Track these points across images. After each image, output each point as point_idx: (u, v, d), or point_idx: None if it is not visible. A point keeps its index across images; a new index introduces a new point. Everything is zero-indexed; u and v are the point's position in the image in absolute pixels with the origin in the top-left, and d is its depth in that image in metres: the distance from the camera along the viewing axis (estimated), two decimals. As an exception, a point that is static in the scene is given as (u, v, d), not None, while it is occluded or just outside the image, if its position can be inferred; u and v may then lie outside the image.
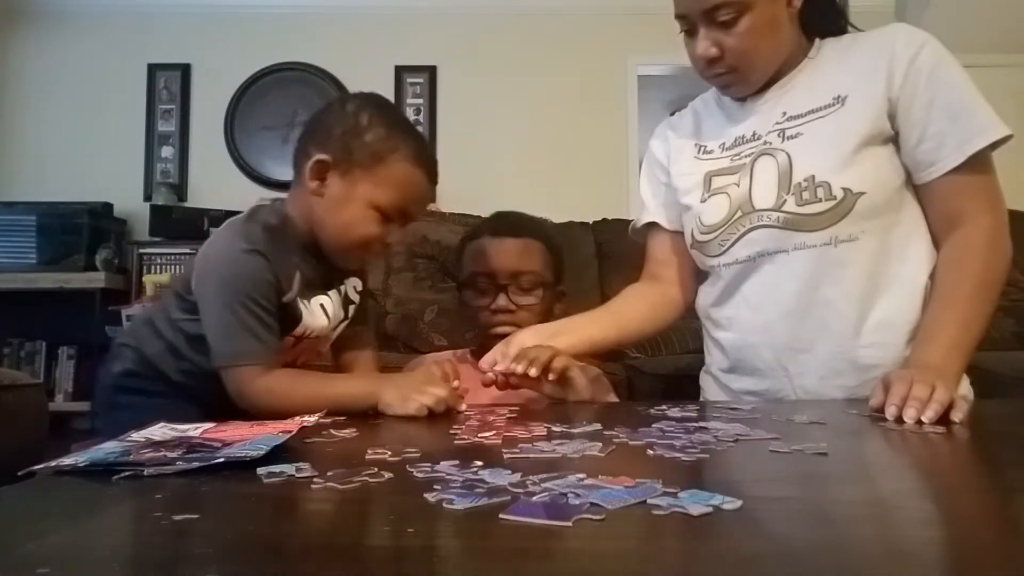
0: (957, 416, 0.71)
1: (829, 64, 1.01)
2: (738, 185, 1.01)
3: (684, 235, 1.11)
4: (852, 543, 0.35)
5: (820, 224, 0.93)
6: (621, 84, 3.59)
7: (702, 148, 1.10)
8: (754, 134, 1.03)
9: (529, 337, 1.00)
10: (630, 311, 1.14)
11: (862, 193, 0.92)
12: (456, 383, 0.91)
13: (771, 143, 1.00)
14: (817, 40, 1.05)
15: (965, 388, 0.98)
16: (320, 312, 0.99)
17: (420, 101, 3.58)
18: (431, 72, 3.58)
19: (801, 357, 0.97)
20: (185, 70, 3.55)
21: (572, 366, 0.97)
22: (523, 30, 3.59)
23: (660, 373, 1.83)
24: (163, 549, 0.35)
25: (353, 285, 1.07)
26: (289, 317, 0.94)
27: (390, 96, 3.53)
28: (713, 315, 1.08)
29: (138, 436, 0.60)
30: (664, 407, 0.82)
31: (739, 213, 1.00)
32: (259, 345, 0.89)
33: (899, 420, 0.71)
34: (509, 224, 1.24)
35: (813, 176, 0.93)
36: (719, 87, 1.06)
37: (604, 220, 2.61)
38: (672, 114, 1.24)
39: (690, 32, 1.00)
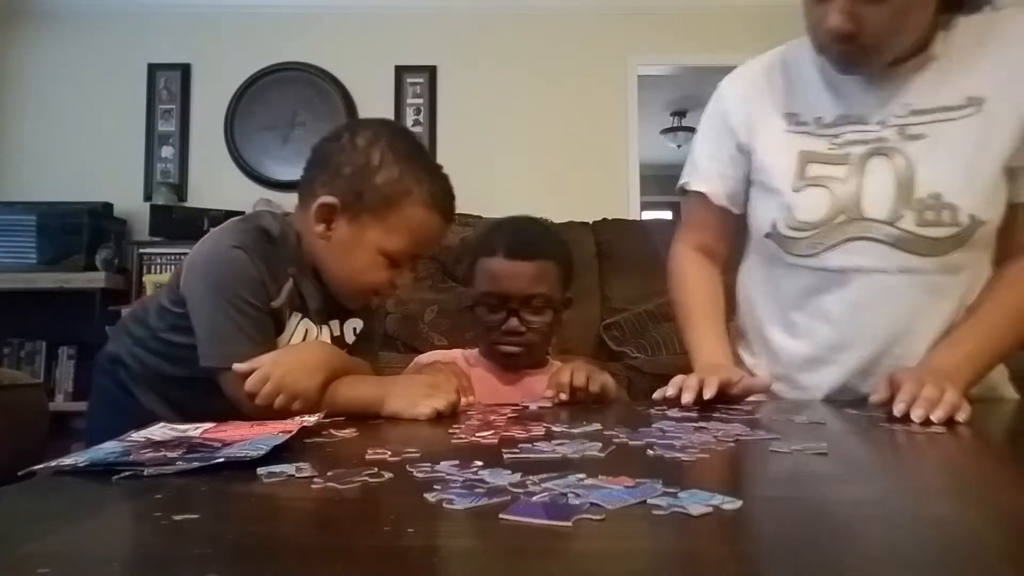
0: (962, 418, 0.70)
1: (964, 51, 0.87)
2: (844, 182, 0.88)
3: (755, 220, 0.99)
4: (852, 543, 0.35)
5: (937, 250, 0.84)
6: (621, 84, 3.58)
7: (794, 118, 0.94)
8: (863, 118, 0.90)
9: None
10: (720, 302, 1.06)
11: (983, 222, 0.83)
12: (465, 385, 0.90)
13: (888, 140, 0.87)
14: (950, 17, 0.88)
15: (1010, 391, 0.96)
16: (298, 338, 0.93)
17: (420, 101, 3.58)
18: (431, 72, 3.58)
19: (872, 381, 0.87)
20: (185, 70, 3.55)
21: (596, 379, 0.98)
22: (523, 30, 3.59)
23: (660, 373, 1.83)
24: (163, 549, 0.35)
25: (353, 327, 1.02)
26: (275, 325, 0.90)
27: (390, 96, 3.55)
28: (778, 316, 0.98)
29: (138, 436, 0.60)
30: (664, 407, 0.82)
31: (843, 217, 0.88)
32: (252, 346, 0.84)
33: (905, 418, 0.70)
34: (523, 245, 1.19)
35: (940, 194, 0.83)
36: (838, 64, 0.88)
37: (604, 220, 2.62)
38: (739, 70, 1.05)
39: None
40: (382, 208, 0.88)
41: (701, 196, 1.05)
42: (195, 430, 0.62)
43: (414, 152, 0.93)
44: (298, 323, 0.93)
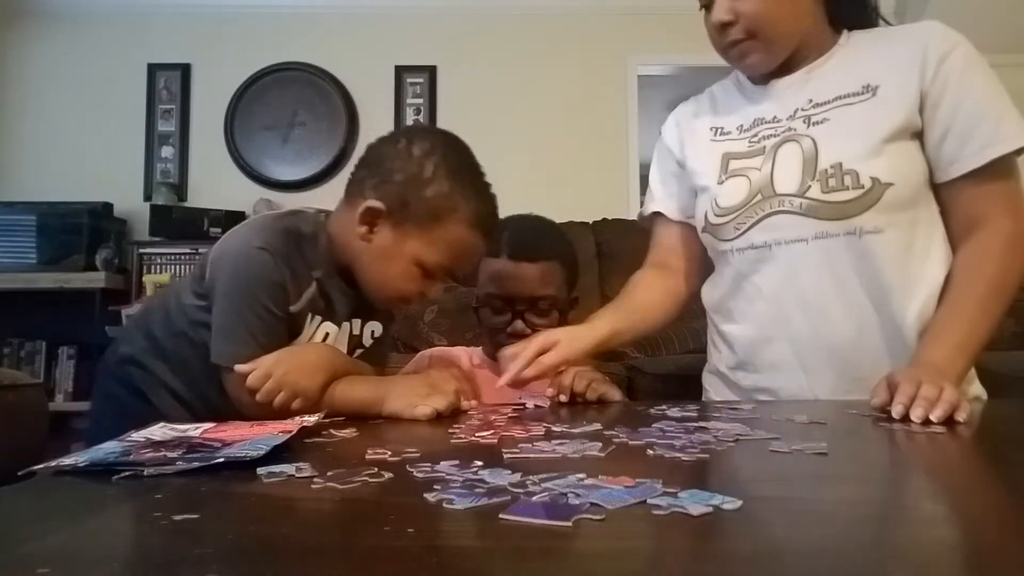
0: (962, 416, 0.70)
1: (859, 53, 0.99)
2: (759, 169, 0.98)
3: (696, 220, 1.08)
4: (852, 543, 0.35)
5: (845, 213, 0.91)
6: (621, 84, 3.59)
7: (718, 130, 1.07)
8: (774, 117, 1.00)
9: (554, 336, 0.96)
10: (647, 302, 1.11)
11: (890, 184, 0.90)
12: (466, 389, 0.89)
13: (795, 129, 0.97)
14: (846, 31, 1.03)
15: (978, 389, 0.98)
16: (319, 340, 0.94)
17: (420, 101, 3.58)
18: (431, 72, 3.58)
19: (820, 352, 0.95)
20: (185, 70, 3.55)
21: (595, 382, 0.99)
22: (523, 30, 3.59)
23: (660, 373, 1.84)
24: (163, 549, 0.35)
25: (371, 330, 1.02)
26: (292, 328, 0.90)
27: (390, 96, 3.55)
28: (722, 307, 1.05)
29: (138, 436, 0.60)
30: (664, 407, 0.82)
31: (759, 197, 0.97)
32: (256, 349, 0.85)
33: (904, 419, 0.71)
34: (528, 246, 1.18)
35: (840, 163, 0.91)
36: (737, 60, 1.01)
37: (604, 220, 2.61)
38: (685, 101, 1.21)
39: (708, 6, 0.99)
40: (427, 221, 0.89)
41: (659, 217, 1.16)
42: (195, 430, 0.62)
43: (467, 169, 0.94)
44: (318, 326, 0.93)
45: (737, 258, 1.00)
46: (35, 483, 0.47)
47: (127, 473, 0.47)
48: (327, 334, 0.95)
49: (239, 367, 0.82)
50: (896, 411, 0.72)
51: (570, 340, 0.96)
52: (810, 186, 0.93)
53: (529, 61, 3.58)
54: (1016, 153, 0.90)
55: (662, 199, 1.15)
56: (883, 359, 0.92)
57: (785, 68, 1.01)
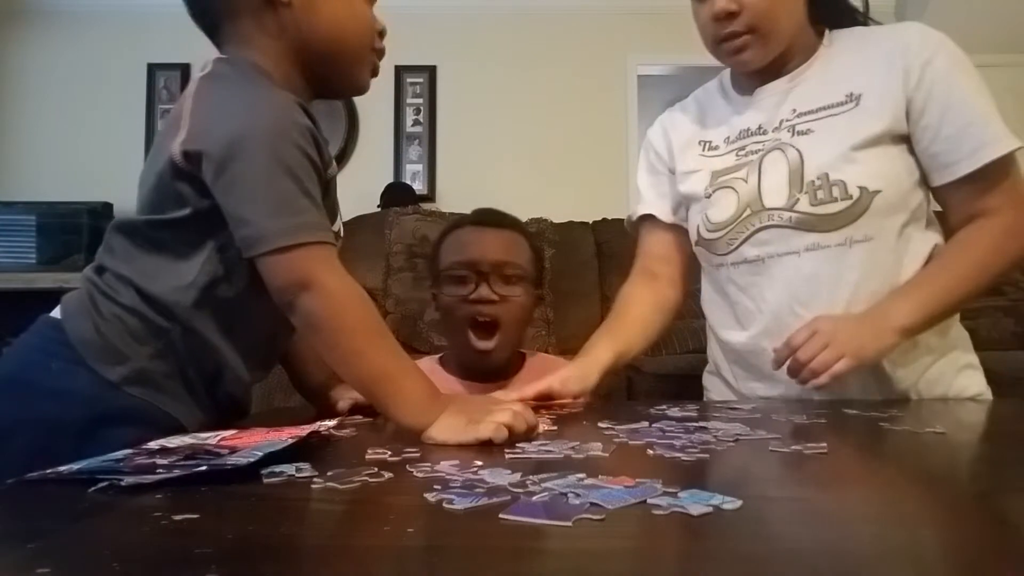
0: (840, 366, 0.82)
1: (842, 58, 0.98)
2: (746, 181, 0.98)
3: (689, 231, 1.08)
4: (852, 543, 0.35)
5: (835, 224, 0.91)
6: (621, 84, 3.59)
7: (706, 144, 1.07)
8: (760, 128, 1.00)
9: (564, 374, 0.93)
10: (640, 317, 1.10)
11: (878, 191, 0.90)
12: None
13: (780, 139, 0.97)
14: (827, 32, 1.01)
15: (979, 387, 0.98)
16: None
17: (420, 101, 3.58)
18: (431, 72, 3.59)
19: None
20: (185, 70, 3.55)
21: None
22: (523, 30, 3.59)
23: (660, 373, 1.84)
24: (163, 549, 0.35)
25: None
26: (331, 203, 0.74)
27: (390, 96, 3.55)
28: (721, 319, 1.05)
29: (154, 444, 0.57)
30: (664, 407, 0.82)
31: (748, 211, 0.97)
32: (324, 219, 0.68)
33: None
34: (492, 215, 1.17)
35: (827, 174, 0.91)
36: (731, 55, 0.98)
37: (604, 220, 2.61)
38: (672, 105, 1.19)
39: None
40: None
41: (648, 221, 1.14)
42: (214, 437, 0.59)
43: None
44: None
45: (732, 272, 1.01)
46: (34, 483, 0.47)
47: (103, 484, 0.45)
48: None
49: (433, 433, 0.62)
50: (788, 369, 0.85)
51: (581, 378, 0.95)
52: (798, 199, 0.93)
53: (529, 61, 3.58)
54: (1008, 155, 0.89)
55: (653, 201, 1.13)
56: (881, 366, 0.92)
57: (771, 69, 1.00)
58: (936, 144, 0.91)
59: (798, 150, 0.94)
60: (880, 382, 0.92)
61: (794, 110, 0.98)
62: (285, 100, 0.71)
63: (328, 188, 0.75)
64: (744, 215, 0.97)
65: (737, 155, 1.01)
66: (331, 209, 0.78)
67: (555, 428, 0.68)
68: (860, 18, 1.03)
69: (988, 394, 0.98)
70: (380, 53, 0.83)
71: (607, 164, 3.52)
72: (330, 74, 0.77)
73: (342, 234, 0.84)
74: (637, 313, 1.10)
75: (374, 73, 0.83)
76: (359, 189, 3.07)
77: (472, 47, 3.60)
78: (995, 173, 0.90)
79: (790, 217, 0.93)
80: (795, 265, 0.94)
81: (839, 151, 0.91)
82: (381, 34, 0.81)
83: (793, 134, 0.96)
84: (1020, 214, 0.90)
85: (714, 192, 1.01)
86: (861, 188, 0.90)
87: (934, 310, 0.88)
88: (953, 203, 0.94)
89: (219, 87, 0.73)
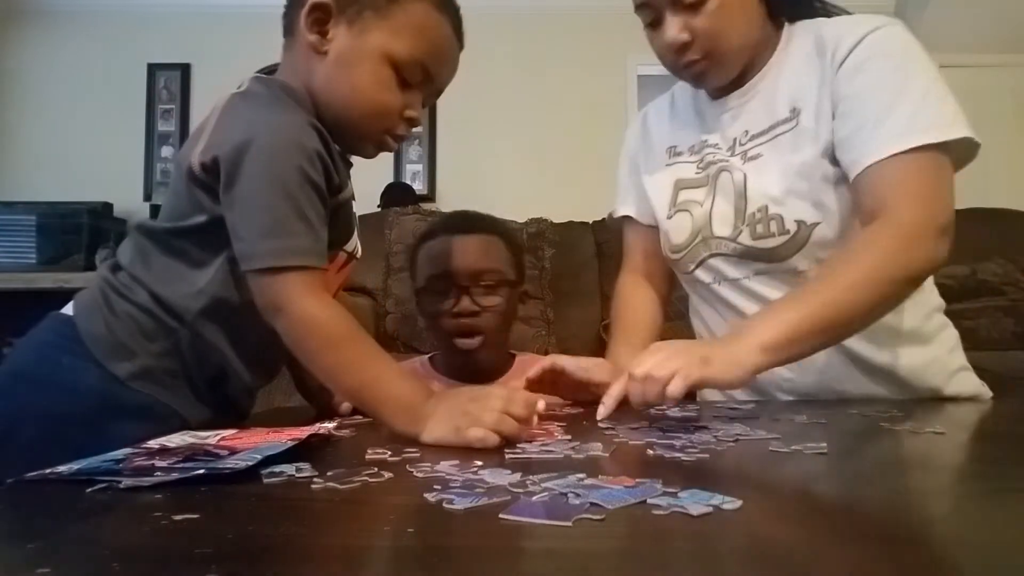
0: (674, 388, 0.69)
1: (792, 62, 0.92)
2: (701, 204, 0.97)
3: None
4: (852, 543, 0.35)
5: (778, 256, 0.90)
6: (621, 84, 3.59)
7: (672, 150, 1.05)
8: (716, 145, 0.98)
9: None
10: (647, 318, 1.10)
11: (816, 223, 0.87)
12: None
13: (732, 164, 0.94)
14: (786, 27, 0.95)
15: (975, 388, 0.97)
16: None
17: (420, 101, 3.58)
18: (431, 72, 3.58)
19: (786, 382, 0.93)
20: (185, 70, 3.56)
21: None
22: (523, 30, 3.60)
23: (660, 373, 1.83)
24: (163, 549, 0.35)
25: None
26: (344, 224, 0.76)
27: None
28: (698, 323, 1.07)
29: (153, 443, 0.58)
30: (664, 407, 0.82)
31: (699, 238, 0.97)
32: (315, 242, 0.69)
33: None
34: (465, 220, 1.15)
35: (766, 207, 0.89)
36: (692, 79, 0.96)
37: (604, 220, 2.61)
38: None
39: (654, 24, 0.94)
40: (383, 4, 0.76)
41: (630, 221, 1.13)
42: (214, 437, 0.60)
43: None
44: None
45: (698, 287, 1.02)
46: (34, 483, 0.47)
47: (101, 485, 0.46)
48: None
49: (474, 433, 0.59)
50: (600, 411, 0.73)
51: (609, 367, 0.93)
52: (741, 230, 0.92)
53: (529, 61, 3.58)
54: (939, 146, 0.79)
55: (632, 203, 1.12)
56: (880, 366, 0.91)
57: (738, 78, 0.95)
58: (859, 131, 0.83)
59: (744, 176, 0.92)
60: (877, 384, 0.92)
61: (747, 132, 0.95)
62: (298, 121, 0.72)
63: (339, 210, 0.77)
64: (696, 241, 0.97)
65: (698, 167, 1.00)
66: (345, 229, 0.81)
67: (568, 437, 0.63)
68: (819, 8, 0.96)
69: (987, 394, 0.98)
70: (398, 137, 0.83)
71: (607, 164, 3.48)
72: (333, 129, 0.77)
73: (359, 253, 0.87)
74: (644, 312, 1.10)
75: (384, 148, 0.84)
76: (359, 189, 3.03)
77: (472, 47, 3.57)
78: (913, 166, 0.80)
79: (735, 248, 0.93)
80: (746, 287, 0.94)
81: (779, 183, 0.88)
82: (410, 121, 0.81)
83: (744, 160, 0.93)
84: (918, 214, 0.79)
85: (675, 214, 1.01)
86: (799, 222, 0.87)
87: (806, 326, 0.76)
88: (857, 197, 0.85)
89: (246, 104, 0.76)
